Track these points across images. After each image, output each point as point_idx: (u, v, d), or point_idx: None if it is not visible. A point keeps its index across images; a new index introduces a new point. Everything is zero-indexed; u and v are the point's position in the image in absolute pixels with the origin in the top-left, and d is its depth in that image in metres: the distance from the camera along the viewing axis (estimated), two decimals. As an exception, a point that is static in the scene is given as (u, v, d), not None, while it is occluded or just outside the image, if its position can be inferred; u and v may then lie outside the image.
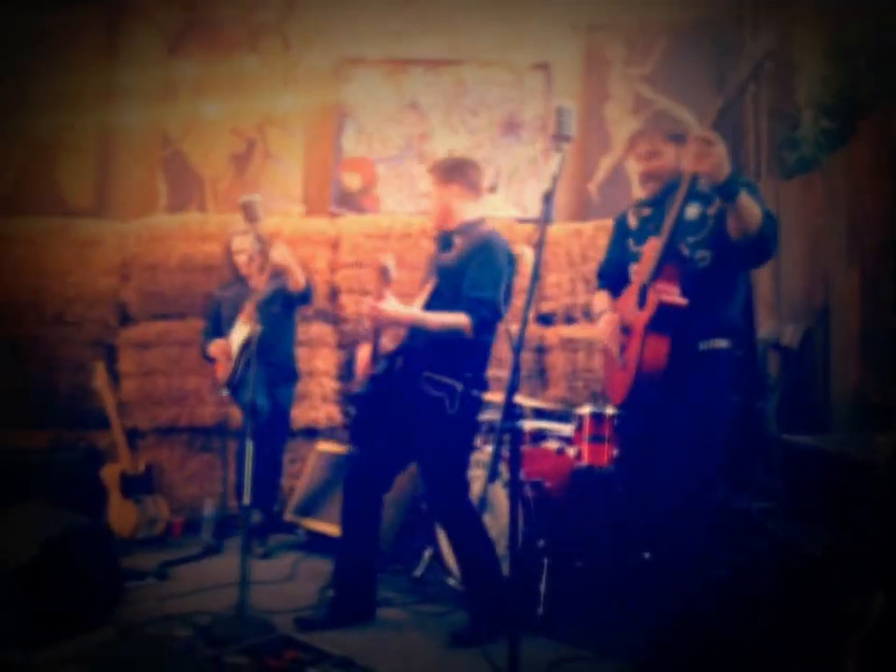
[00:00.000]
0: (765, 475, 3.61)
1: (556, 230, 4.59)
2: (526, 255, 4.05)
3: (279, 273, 3.74)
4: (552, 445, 3.58)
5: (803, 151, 3.87)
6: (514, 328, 2.06)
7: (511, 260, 2.96)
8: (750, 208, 2.27)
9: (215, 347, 4.03)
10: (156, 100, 5.08)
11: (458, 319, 2.81)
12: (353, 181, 5.09)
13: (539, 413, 3.90)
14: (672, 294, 2.39)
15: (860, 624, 1.91)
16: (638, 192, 2.79)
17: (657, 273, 2.43)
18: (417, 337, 2.93)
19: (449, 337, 2.83)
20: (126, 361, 4.55)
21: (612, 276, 2.81)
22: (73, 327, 4.62)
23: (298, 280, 3.83)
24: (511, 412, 2.04)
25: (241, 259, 4.07)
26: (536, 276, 2.05)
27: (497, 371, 4.12)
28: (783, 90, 4.19)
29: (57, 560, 2.82)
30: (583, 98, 5.05)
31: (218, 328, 4.13)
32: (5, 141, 5.01)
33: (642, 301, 2.48)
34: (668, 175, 2.57)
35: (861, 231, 3.35)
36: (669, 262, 2.42)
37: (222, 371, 4.01)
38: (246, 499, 2.97)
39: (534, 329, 4.56)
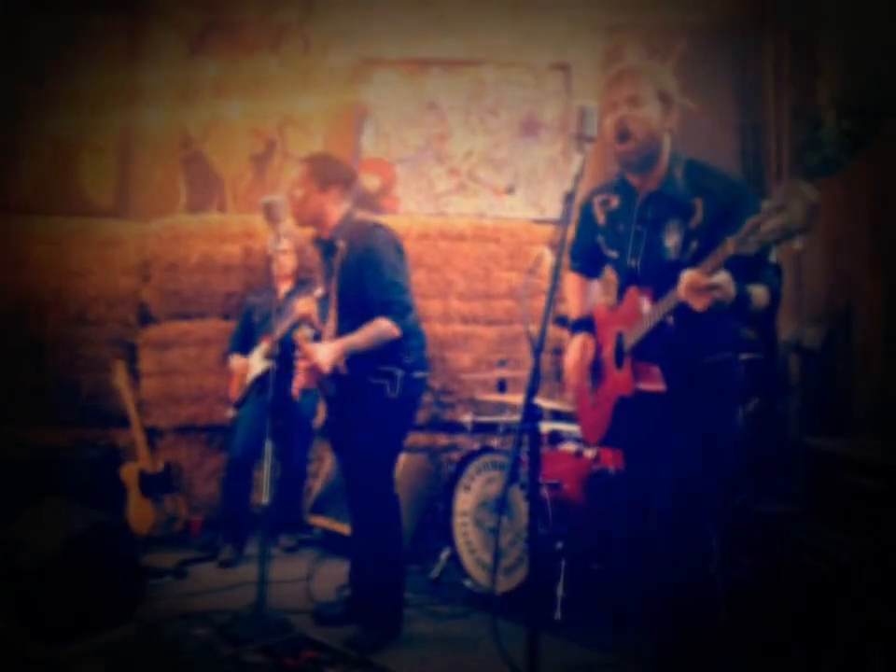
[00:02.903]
0: (787, 479, 3.58)
1: (575, 231, 4.56)
2: (546, 256, 4.05)
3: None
4: (570, 447, 3.57)
5: (825, 152, 3.83)
6: (534, 329, 2.05)
7: (398, 247, 2.94)
8: (760, 300, 2.08)
9: (235, 363, 4.13)
10: (177, 101, 5.11)
11: (381, 327, 2.81)
12: (372, 182, 5.11)
13: (557, 415, 3.89)
14: (651, 380, 2.21)
15: (885, 631, 1.89)
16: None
17: (639, 349, 2.21)
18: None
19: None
20: (146, 360, 4.58)
21: (586, 259, 2.63)
22: (94, 326, 4.66)
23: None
24: (531, 413, 2.03)
25: (281, 260, 4.06)
26: (556, 278, 2.02)
27: (517, 373, 4.12)
28: (805, 90, 4.16)
29: (79, 557, 2.84)
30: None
31: (248, 333, 4.20)
32: (27, 141, 5.07)
33: (619, 357, 2.30)
34: (646, 138, 2.21)
35: (884, 232, 3.31)
36: (654, 335, 2.19)
37: (235, 388, 4.11)
38: (265, 499, 2.98)
39: (552, 331, 4.54)
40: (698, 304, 1.97)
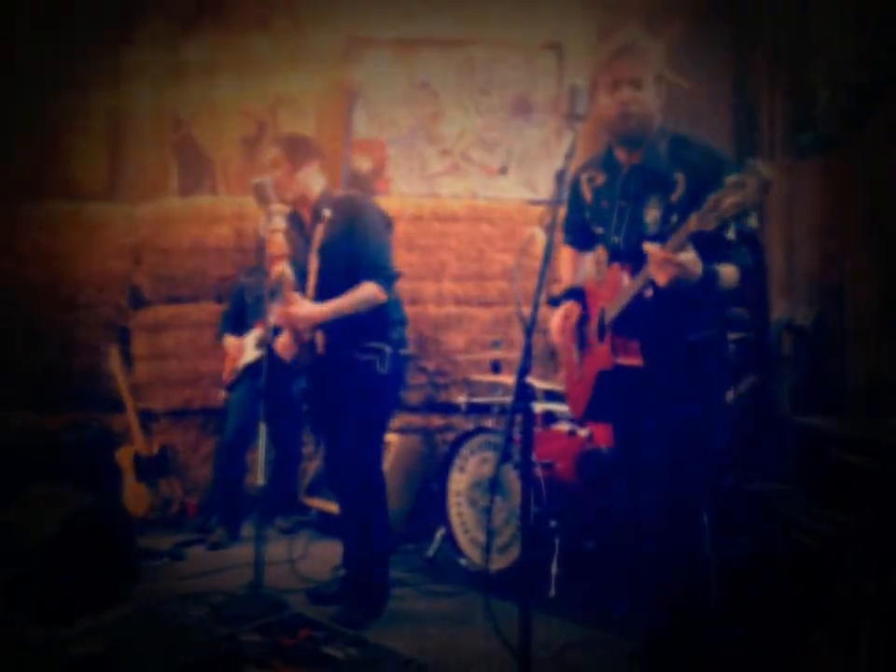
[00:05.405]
0: (778, 457, 3.60)
1: (568, 211, 4.55)
2: (538, 237, 4.04)
3: None
4: (563, 427, 3.59)
5: (818, 131, 3.83)
6: (526, 310, 2.05)
7: (388, 221, 2.99)
8: (729, 279, 2.13)
9: (228, 344, 4.15)
10: (166, 82, 5.06)
11: (368, 291, 2.83)
12: (363, 163, 5.08)
13: (551, 395, 3.90)
14: (630, 355, 2.25)
15: (874, 605, 1.91)
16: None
17: (619, 324, 2.26)
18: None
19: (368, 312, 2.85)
20: (139, 344, 4.58)
21: (576, 234, 2.65)
22: (86, 310, 4.65)
23: None
24: (523, 393, 2.04)
25: (274, 241, 4.06)
26: (547, 258, 2.03)
27: (511, 353, 4.13)
28: (799, 69, 4.14)
29: (75, 538, 2.86)
30: (596, 78, 4.99)
31: (241, 314, 4.20)
32: (16, 125, 5.01)
33: (601, 331, 2.34)
34: (646, 119, 2.26)
35: (875, 212, 3.32)
36: (633, 310, 2.23)
37: (228, 370, 4.12)
38: (260, 480, 2.99)
39: (545, 311, 4.53)
40: (660, 279, 2.01)
